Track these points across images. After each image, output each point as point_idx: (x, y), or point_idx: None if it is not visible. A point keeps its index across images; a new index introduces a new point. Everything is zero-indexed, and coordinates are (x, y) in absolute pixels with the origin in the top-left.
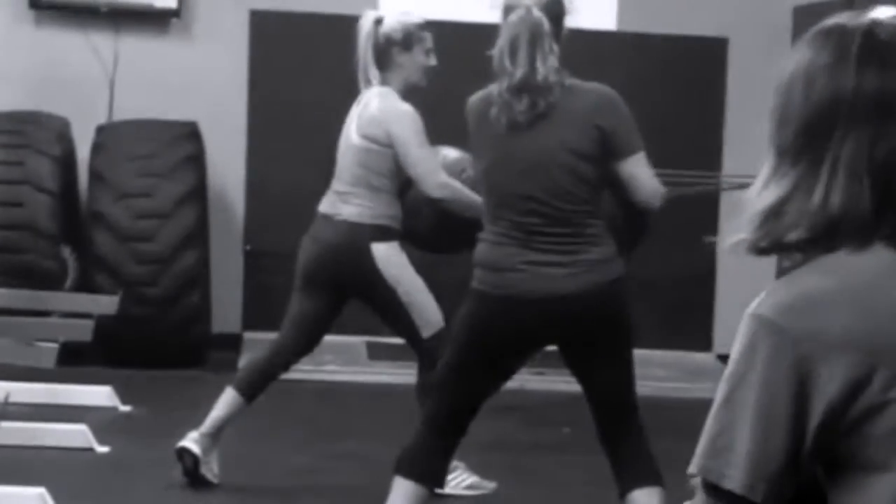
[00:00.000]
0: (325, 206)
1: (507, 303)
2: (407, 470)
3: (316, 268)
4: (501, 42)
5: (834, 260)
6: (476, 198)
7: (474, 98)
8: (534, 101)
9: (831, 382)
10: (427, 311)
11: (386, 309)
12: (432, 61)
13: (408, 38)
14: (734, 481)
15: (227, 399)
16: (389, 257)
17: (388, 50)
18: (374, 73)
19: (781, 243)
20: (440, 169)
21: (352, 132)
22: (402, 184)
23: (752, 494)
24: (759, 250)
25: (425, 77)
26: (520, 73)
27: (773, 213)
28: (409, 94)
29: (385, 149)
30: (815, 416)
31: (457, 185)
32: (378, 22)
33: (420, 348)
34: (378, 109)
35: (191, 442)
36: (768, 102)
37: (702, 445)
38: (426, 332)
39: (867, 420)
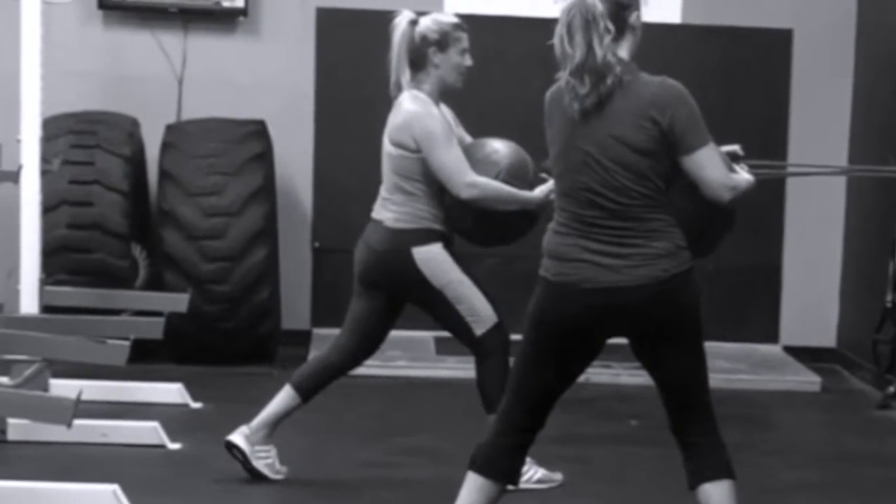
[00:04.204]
0: (375, 210)
1: (567, 291)
2: (481, 467)
3: (365, 272)
4: (559, 28)
5: None
6: (512, 190)
7: (551, 89)
8: (596, 81)
9: None
10: (477, 307)
11: (436, 310)
12: (468, 61)
13: (444, 39)
14: None
15: (283, 396)
16: (432, 260)
17: (423, 50)
18: (406, 75)
19: None
20: (467, 170)
21: (385, 139)
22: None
23: None
24: None
25: (461, 78)
26: (579, 53)
27: None
28: (445, 94)
29: (414, 154)
30: None
31: (486, 182)
32: (413, 22)
33: (475, 346)
34: (404, 115)
35: (237, 436)
36: (833, 92)
37: None
38: (479, 329)
39: None
